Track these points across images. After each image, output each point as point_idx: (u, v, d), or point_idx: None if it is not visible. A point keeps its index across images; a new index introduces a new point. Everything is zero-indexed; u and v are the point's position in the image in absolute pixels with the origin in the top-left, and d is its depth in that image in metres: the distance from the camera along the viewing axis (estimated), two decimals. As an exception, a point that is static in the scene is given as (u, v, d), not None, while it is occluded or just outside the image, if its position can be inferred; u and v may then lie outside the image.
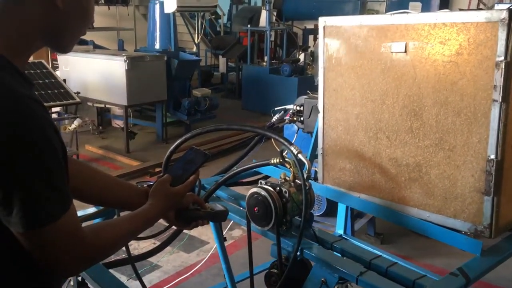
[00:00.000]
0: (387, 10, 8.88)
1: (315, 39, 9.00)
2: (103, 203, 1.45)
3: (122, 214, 1.65)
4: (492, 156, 1.53)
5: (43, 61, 5.43)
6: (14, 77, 0.91)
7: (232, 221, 2.51)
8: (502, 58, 1.46)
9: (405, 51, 1.69)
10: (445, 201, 1.68)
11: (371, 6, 9.86)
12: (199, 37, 8.09)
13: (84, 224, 1.07)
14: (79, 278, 1.63)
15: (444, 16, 1.61)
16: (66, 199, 0.92)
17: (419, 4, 8.82)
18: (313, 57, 7.96)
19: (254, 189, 1.63)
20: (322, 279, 1.53)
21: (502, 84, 1.47)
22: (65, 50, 1.04)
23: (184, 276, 3.30)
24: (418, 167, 1.73)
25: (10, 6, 0.92)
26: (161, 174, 1.85)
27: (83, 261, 1.00)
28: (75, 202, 0.98)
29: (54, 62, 6.93)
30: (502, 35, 1.45)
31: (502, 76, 1.47)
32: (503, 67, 1.46)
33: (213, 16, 11.65)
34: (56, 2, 0.94)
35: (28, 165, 0.85)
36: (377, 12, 9.65)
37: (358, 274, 1.45)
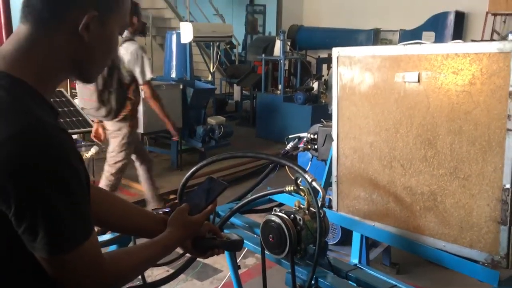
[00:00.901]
0: (400, 40, 8.96)
1: (329, 68, 9.08)
2: (122, 229, 1.47)
3: (138, 241, 1.68)
4: (508, 186, 1.53)
5: (62, 90, 5.57)
6: (41, 107, 0.95)
7: (246, 249, 2.51)
8: (515, 87, 1.47)
9: (418, 81, 1.71)
10: (461, 230, 1.66)
11: (384, 35, 9.97)
12: (215, 66, 8.22)
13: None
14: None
15: (457, 46, 1.64)
16: (88, 227, 0.96)
17: (432, 34, 8.91)
18: (327, 85, 8.01)
19: (269, 217, 1.64)
20: (337, 309, 1.52)
21: (516, 114, 1.48)
22: (90, 80, 1.09)
23: (198, 304, 3.28)
24: (433, 195, 1.72)
25: (41, 38, 0.97)
26: (176, 201, 1.87)
27: (102, 287, 1.02)
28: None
29: (73, 90, 7.09)
30: (514, 65, 1.47)
31: (516, 105, 1.48)
32: (517, 97, 1.47)
33: (228, 46, 11.84)
34: (82, 36, 0.99)
35: (54, 193, 0.89)
36: (390, 42, 9.73)
37: (374, 303, 1.44)
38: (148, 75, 4.03)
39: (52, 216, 0.89)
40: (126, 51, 3.93)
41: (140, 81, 3.99)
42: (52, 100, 1.03)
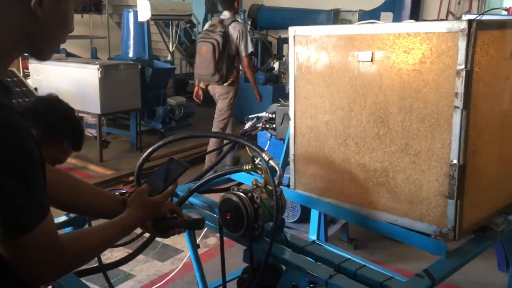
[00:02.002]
0: (359, 20, 9.05)
1: (289, 47, 9.08)
2: (81, 210, 1.46)
3: (93, 223, 1.66)
4: (455, 161, 1.59)
5: (14, 69, 5.35)
6: None
7: (206, 229, 2.52)
8: (463, 66, 1.53)
9: (372, 60, 1.75)
10: (411, 204, 1.73)
11: (344, 16, 10.04)
12: (174, 46, 8.09)
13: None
14: (50, 287, 1.61)
15: (408, 26, 1.67)
16: (43, 208, 0.94)
17: (390, 14, 9.05)
18: (286, 65, 8.04)
19: (226, 195, 1.65)
20: (293, 283, 1.55)
21: (463, 92, 1.53)
22: (45, 58, 1.05)
23: (158, 285, 3.28)
24: (385, 172, 1.78)
25: None
26: (134, 182, 1.86)
27: (60, 268, 1.01)
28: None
29: (25, 70, 6.83)
30: (462, 44, 1.52)
31: (463, 84, 1.53)
32: (464, 75, 1.53)
33: (188, 25, 11.64)
34: (35, 11, 0.95)
35: (6, 176, 0.86)
36: (349, 22, 9.81)
37: (328, 277, 1.48)
38: (250, 49, 5.07)
39: (5, 199, 0.87)
40: (233, 29, 4.95)
41: (243, 53, 5.03)
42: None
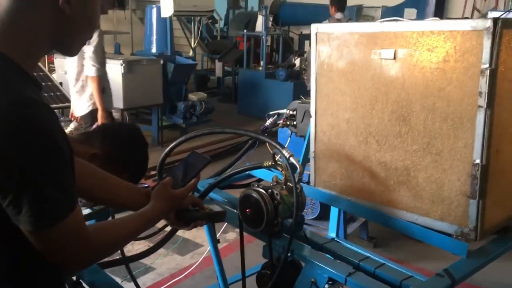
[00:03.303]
0: (382, 16, 8.96)
1: (311, 44, 9.05)
2: (105, 202, 1.50)
3: (116, 216, 1.70)
4: (478, 161, 1.57)
5: (39, 64, 5.46)
6: (24, 82, 0.95)
7: (226, 224, 2.54)
8: (487, 65, 1.51)
9: (394, 58, 1.74)
10: (432, 204, 1.72)
11: (366, 12, 9.93)
12: (196, 42, 8.14)
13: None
14: (74, 278, 1.66)
15: (432, 24, 1.66)
16: (72, 200, 0.97)
17: (414, 11, 8.92)
18: (307, 62, 8.02)
19: (246, 191, 1.66)
20: (312, 280, 1.56)
21: (487, 91, 1.52)
22: (72, 54, 1.10)
23: (178, 278, 3.33)
24: (407, 170, 1.77)
25: (22, 11, 0.97)
26: (156, 176, 1.89)
27: (87, 259, 1.05)
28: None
29: (50, 65, 6.96)
30: (487, 43, 1.50)
31: (487, 82, 1.51)
32: (488, 74, 1.51)
33: (210, 21, 11.69)
34: (63, 9, 0.98)
35: (37, 167, 0.90)
36: (372, 19, 9.72)
37: (347, 274, 1.49)
38: None
39: (36, 190, 0.90)
40: None
41: None
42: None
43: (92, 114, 4.16)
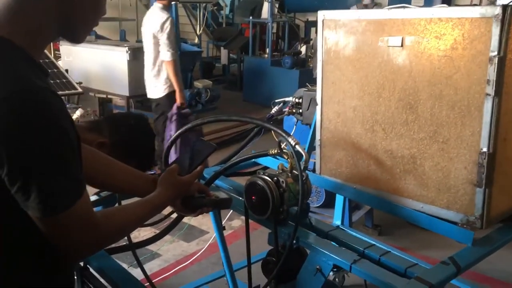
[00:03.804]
0: (389, 3, 8.87)
1: (317, 31, 8.99)
2: (113, 188, 1.51)
3: (123, 202, 1.71)
4: (484, 149, 1.57)
5: (45, 51, 5.46)
6: (31, 68, 0.96)
7: (231, 211, 2.55)
8: (496, 53, 1.49)
9: (402, 45, 1.72)
10: (438, 192, 1.72)
11: (373, -2, 9.83)
12: (201, 29, 8.12)
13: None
14: (82, 263, 1.67)
15: (440, 11, 1.64)
16: (80, 187, 0.98)
17: (421, -3, 8.82)
18: (314, 50, 7.98)
19: (252, 179, 1.67)
20: (317, 267, 1.57)
21: (495, 79, 1.50)
22: (79, 40, 1.09)
23: (184, 264, 3.36)
24: (413, 159, 1.76)
25: None
26: (162, 164, 1.90)
27: (95, 244, 1.06)
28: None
29: (56, 52, 6.96)
30: (496, 30, 1.48)
31: (495, 70, 1.50)
32: (496, 62, 1.49)
33: (215, 8, 11.63)
34: None
35: (45, 154, 0.90)
36: (380, 5, 9.63)
37: (352, 262, 1.49)
38: None
39: (44, 177, 0.91)
40: None
41: None
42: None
43: (169, 96, 4.58)
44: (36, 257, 1.02)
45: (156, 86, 4.64)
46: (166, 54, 4.47)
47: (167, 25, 4.45)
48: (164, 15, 4.51)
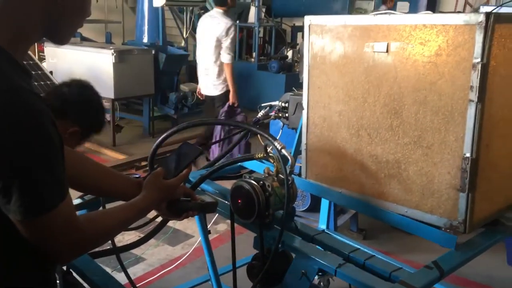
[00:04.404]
0: (374, 9, 8.96)
1: (304, 36, 9.04)
2: (97, 191, 1.49)
3: (107, 206, 1.69)
4: (468, 154, 1.59)
5: (29, 52, 5.40)
6: (14, 69, 0.94)
7: (217, 215, 2.54)
8: (479, 59, 1.51)
9: (387, 51, 1.74)
10: (422, 197, 1.73)
11: (359, 4, 9.93)
12: (188, 32, 8.09)
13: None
14: (64, 267, 1.65)
15: (425, 18, 1.66)
16: (62, 189, 0.96)
17: (407, 4, 8.93)
18: (300, 54, 8.02)
19: (238, 182, 1.67)
20: (302, 271, 1.57)
21: (478, 85, 1.53)
22: (63, 42, 1.08)
23: (168, 268, 3.34)
24: (397, 163, 1.78)
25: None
26: (148, 167, 1.89)
27: (77, 248, 1.04)
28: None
29: (41, 53, 6.88)
30: (479, 37, 1.51)
31: (479, 77, 1.52)
32: (480, 69, 1.51)
33: (202, 11, 11.59)
34: None
35: (27, 156, 0.89)
36: (365, 11, 9.72)
37: (337, 266, 1.50)
38: None
39: (26, 180, 0.90)
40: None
41: None
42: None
43: (226, 94, 5.12)
44: (36, 257, 1.01)
45: (214, 85, 5.16)
46: (227, 57, 4.99)
47: (232, 31, 5.01)
48: (228, 21, 5.03)
